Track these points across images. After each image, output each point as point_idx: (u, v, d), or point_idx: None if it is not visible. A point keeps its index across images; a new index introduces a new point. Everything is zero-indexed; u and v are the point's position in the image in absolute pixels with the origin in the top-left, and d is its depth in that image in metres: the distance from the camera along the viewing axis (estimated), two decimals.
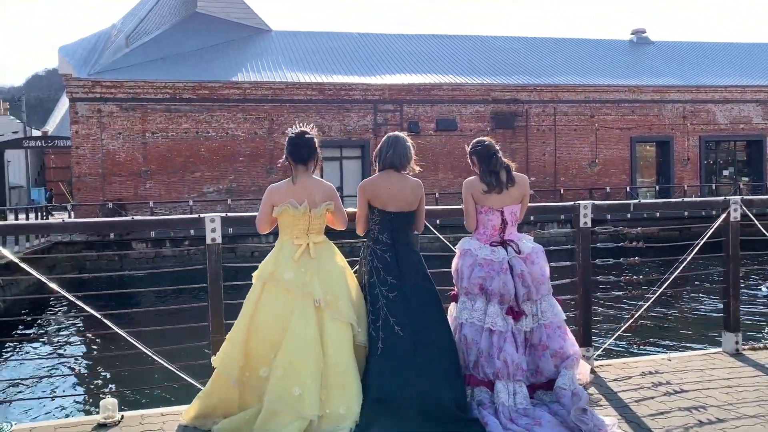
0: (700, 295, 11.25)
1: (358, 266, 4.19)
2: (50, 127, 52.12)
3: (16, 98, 61.14)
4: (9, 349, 12.38)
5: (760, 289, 12.62)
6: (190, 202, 24.56)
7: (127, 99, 25.76)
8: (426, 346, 3.87)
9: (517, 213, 4.28)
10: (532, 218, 21.90)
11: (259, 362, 3.79)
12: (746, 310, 12.35)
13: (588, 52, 35.04)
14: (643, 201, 5.10)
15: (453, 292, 4.27)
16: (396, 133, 4.26)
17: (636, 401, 4.16)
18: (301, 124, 4.16)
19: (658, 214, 22.62)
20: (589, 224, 4.77)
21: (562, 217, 22.87)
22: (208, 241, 4.08)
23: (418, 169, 4.25)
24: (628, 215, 23.41)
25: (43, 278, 3.96)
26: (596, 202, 4.83)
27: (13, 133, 52.50)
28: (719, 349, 5.29)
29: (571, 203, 4.80)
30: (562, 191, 28.10)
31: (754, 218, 5.21)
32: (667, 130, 31.82)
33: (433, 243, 5.26)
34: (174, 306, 13.20)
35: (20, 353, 12.00)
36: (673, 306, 8.56)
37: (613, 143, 31.08)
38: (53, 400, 8.32)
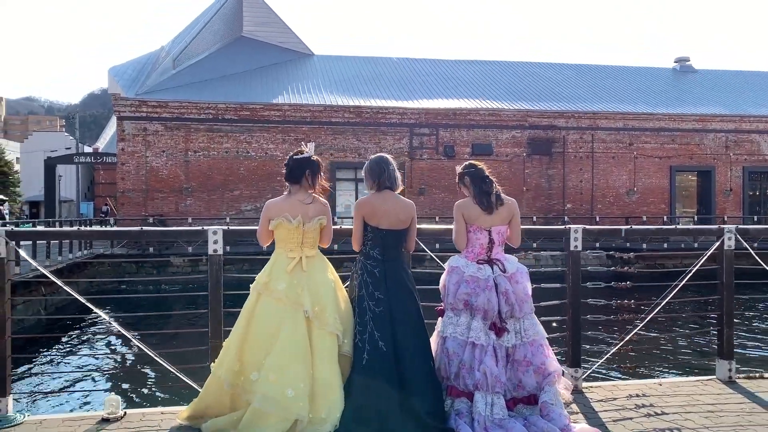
0: (701, 322, 11.12)
1: (350, 280, 4.43)
2: (101, 143, 54.09)
3: (71, 116, 63.68)
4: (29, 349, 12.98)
5: None
6: (227, 219, 25.22)
7: (172, 118, 26.72)
8: (406, 360, 4.07)
9: (504, 233, 4.46)
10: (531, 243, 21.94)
11: (252, 367, 4.04)
12: (755, 339, 12.15)
13: (628, 79, 34.88)
14: (634, 227, 5.21)
15: (440, 307, 4.46)
16: (384, 154, 4.49)
17: (614, 420, 4.27)
18: (303, 145, 4.43)
19: (665, 245, 22.32)
20: (580, 248, 4.91)
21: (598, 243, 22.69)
22: (210, 252, 4.38)
23: (402, 188, 4.44)
24: (641, 245, 23.13)
25: (58, 281, 4.32)
26: (587, 227, 4.97)
27: (66, 149, 54.75)
28: (713, 377, 5.34)
29: (562, 227, 4.95)
30: (597, 218, 27.83)
31: (749, 247, 5.28)
32: (708, 160, 31.31)
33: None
34: (177, 311, 13.79)
35: (36, 352, 12.58)
36: (671, 333, 8.49)
37: (652, 172, 30.73)
38: (60, 395, 8.98)
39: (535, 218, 27.13)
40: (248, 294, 4.19)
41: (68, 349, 13.35)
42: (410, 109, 28.77)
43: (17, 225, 29.43)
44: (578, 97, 31.72)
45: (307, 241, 4.21)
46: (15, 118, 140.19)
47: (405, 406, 3.96)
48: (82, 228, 7.90)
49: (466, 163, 4.68)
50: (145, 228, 5.08)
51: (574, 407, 4.53)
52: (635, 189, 30.54)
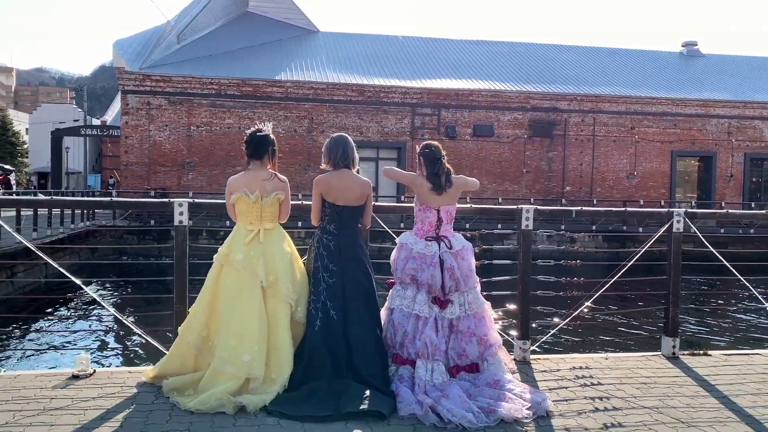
0: (653, 301, 11.36)
1: (307, 253, 4.70)
2: (109, 116, 54.41)
3: (80, 88, 63.92)
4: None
5: None
6: None
7: (175, 93, 26.94)
8: (354, 328, 4.36)
9: (452, 212, 4.71)
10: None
11: (217, 333, 4.34)
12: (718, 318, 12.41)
13: (632, 63, 34.73)
14: (584, 208, 5.44)
15: (390, 281, 4.74)
16: (342, 134, 4.72)
17: (550, 389, 4.55)
18: (260, 123, 4.66)
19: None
20: (531, 227, 5.16)
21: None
22: (176, 223, 4.66)
23: (358, 167, 4.67)
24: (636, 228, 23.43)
25: (31, 246, 4.61)
26: (538, 207, 5.22)
27: (74, 121, 55.08)
28: (659, 353, 5.61)
29: (514, 207, 5.20)
30: (595, 201, 27.97)
31: (696, 230, 5.51)
32: (710, 146, 31.31)
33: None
34: (141, 278, 14.25)
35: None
36: (624, 311, 8.73)
37: (653, 156, 30.78)
38: (37, 354, 9.47)
39: (532, 200, 27.29)
40: (212, 264, 4.48)
41: (49, 313, 13.80)
42: (413, 88, 28.85)
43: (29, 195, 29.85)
44: (581, 79, 31.67)
45: (266, 215, 4.48)
46: (25, 89, 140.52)
47: (351, 370, 4.27)
48: (55, 197, 8.23)
49: (425, 143, 4.87)
50: (114, 198, 5.37)
51: (518, 376, 4.81)
52: (635, 173, 30.61)
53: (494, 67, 32.14)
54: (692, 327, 11.37)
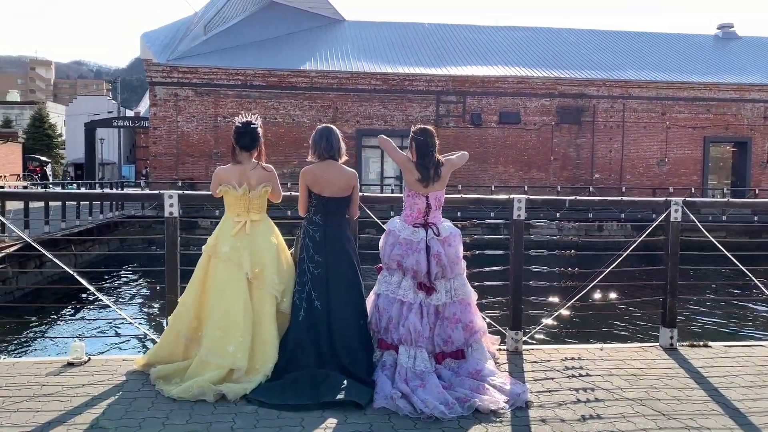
0: (653, 292, 11.07)
1: (294, 243, 4.75)
2: (142, 107, 55.26)
3: (114, 80, 65.05)
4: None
5: None
6: None
7: (202, 84, 27.26)
8: (338, 319, 4.40)
9: (441, 198, 4.69)
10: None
11: (204, 323, 4.43)
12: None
13: (664, 46, 33.95)
14: (579, 197, 5.37)
15: (379, 266, 4.75)
16: (328, 125, 4.74)
17: (535, 379, 4.53)
18: (248, 115, 4.71)
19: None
20: (523, 217, 5.12)
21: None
22: (166, 214, 4.75)
23: (346, 158, 4.69)
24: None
25: (29, 239, 4.75)
26: (530, 197, 5.17)
27: (108, 112, 56.10)
28: (657, 344, 5.53)
29: (505, 197, 5.16)
30: (623, 189, 27.51)
31: (695, 219, 5.40)
32: (745, 131, 30.50)
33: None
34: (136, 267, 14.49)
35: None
36: (626, 301, 8.54)
37: (684, 142, 30.13)
38: (34, 341, 9.86)
39: (559, 188, 26.97)
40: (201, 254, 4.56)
41: (71, 303, 14.17)
42: (437, 76, 28.68)
43: (63, 186, 30.65)
44: (610, 64, 31.08)
45: (254, 206, 4.54)
46: (64, 81, 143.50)
47: (334, 360, 4.31)
48: (49, 190, 8.43)
49: (420, 127, 4.80)
50: (106, 191, 5.48)
51: (506, 366, 4.80)
52: (666, 160, 30.01)
53: (521, 52, 31.74)
54: (700, 318, 11.15)
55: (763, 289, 5.64)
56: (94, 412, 3.78)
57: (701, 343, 5.57)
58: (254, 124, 4.67)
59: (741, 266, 5.60)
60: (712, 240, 5.47)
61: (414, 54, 30.81)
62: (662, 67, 31.28)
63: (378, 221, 5.24)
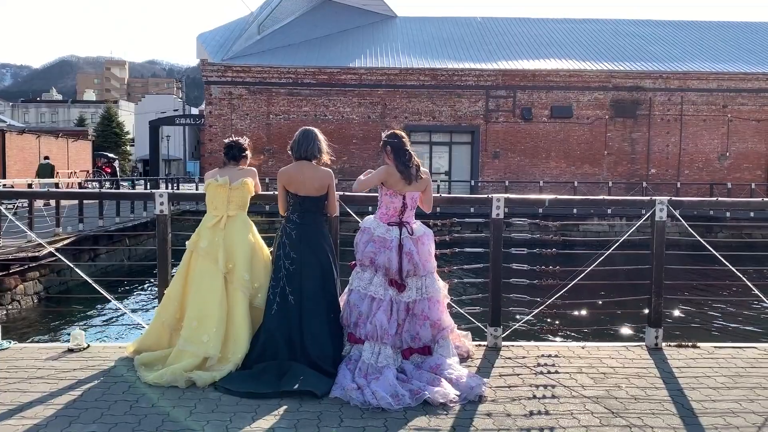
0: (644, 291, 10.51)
1: (274, 241, 4.99)
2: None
3: (180, 78, 67.27)
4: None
5: None
6: None
7: (255, 83, 28.00)
8: (310, 313, 4.62)
9: (416, 199, 4.83)
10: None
11: (185, 314, 4.75)
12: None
13: (725, 36, 32.61)
14: (559, 197, 5.37)
15: (353, 263, 4.94)
16: (307, 127, 4.97)
17: (501, 375, 4.63)
18: (241, 139, 5.12)
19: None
20: (502, 215, 5.20)
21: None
22: (157, 212, 5.08)
23: (327, 160, 4.88)
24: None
25: (44, 243, 5.16)
26: (510, 196, 5.24)
27: (174, 110, 58.17)
28: (642, 343, 5.51)
29: (485, 196, 5.25)
30: (678, 185, 26.65)
31: (681, 219, 5.35)
32: None
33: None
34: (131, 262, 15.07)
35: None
36: (617, 300, 8.30)
37: (748, 136, 28.91)
38: (39, 329, 10.56)
39: (611, 183, 26.38)
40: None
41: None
42: (487, 70, 28.50)
43: (132, 182, 32.08)
44: (667, 55, 30.10)
45: (234, 199, 4.82)
46: (137, 80, 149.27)
47: (303, 351, 4.53)
48: (47, 189, 8.94)
49: (390, 132, 4.95)
50: (102, 190, 5.86)
51: (479, 362, 4.91)
52: (728, 154, 28.87)
53: (573, 45, 31.14)
54: (700, 318, 10.74)
55: (754, 289, 5.52)
56: (73, 394, 4.12)
57: (689, 344, 5.52)
58: (241, 141, 5.01)
59: (729, 266, 5.49)
60: (700, 240, 5.40)
61: (464, 49, 30.70)
62: (724, 58, 30.08)
63: (354, 215, 5.40)
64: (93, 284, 5.20)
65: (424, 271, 4.74)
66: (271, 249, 4.95)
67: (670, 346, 5.47)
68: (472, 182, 26.82)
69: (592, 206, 21.93)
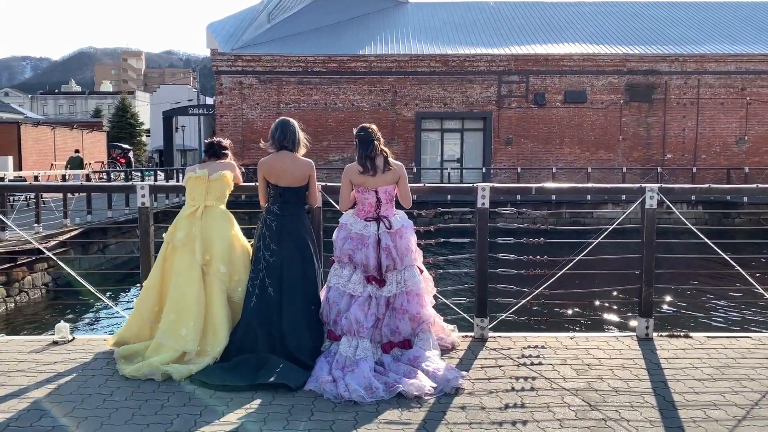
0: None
1: (254, 233, 4.95)
2: None
3: (194, 68, 67.47)
4: None
5: None
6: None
7: (265, 72, 27.96)
8: (289, 305, 4.58)
9: (391, 192, 4.76)
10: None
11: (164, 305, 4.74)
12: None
13: (744, 16, 31.89)
14: (545, 185, 5.26)
15: (332, 259, 4.89)
16: (285, 118, 4.91)
17: (483, 366, 4.56)
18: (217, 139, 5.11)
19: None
20: (487, 205, 5.12)
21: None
22: (139, 204, 5.06)
23: (304, 150, 4.84)
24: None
25: (21, 232, 5.18)
26: (495, 185, 5.15)
27: (189, 100, 58.38)
28: (633, 333, 5.41)
29: (470, 185, 5.17)
30: (694, 170, 26.24)
31: (671, 206, 5.23)
32: None
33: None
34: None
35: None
36: (610, 290, 8.08)
37: (767, 119, 28.31)
38: (26, 322, 10.69)
39: (625, 169, 26.04)
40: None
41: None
42: (499, 55, 28.19)
43: (142, 172, 32.33)
44: (684, 38, 29.55)
45: (212, 191, 4.80)
46: (154, 71, 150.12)
47: (281, 344, 4.50)
48: (29, 182, 8.97)
49: (361, 125, 4.89)
50: (83, 183, 5.86)
51: (462, 353, 4.85)
52: (746, 138, 28.34)
53: (587, 28, 30.69)
54: (696, 308, 10.49)
55: (747, 276, 5.39)
56: (50, 387, 4.13)
57: (682, 334, 5.41)
58: (223, 143, 5.01)
59: (723, 254, 5.36)
60: (692, 228, 5.28)
61: (476, 34, 30.39)
62: (742, 39, 29.48)
63: (336, 205, 5.32)
64: (80, 280, 5.20)
65: (403, 264, 4.67)
66: (251, 241, 4.92)
67: (661, 336, 5.36)
68: (484, 169, 26.64)
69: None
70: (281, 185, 4.75)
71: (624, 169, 25.88)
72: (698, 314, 10.40)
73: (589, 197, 21.32)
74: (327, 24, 31.07)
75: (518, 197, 15.64)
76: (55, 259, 5.91)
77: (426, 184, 5.58)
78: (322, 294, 4.80)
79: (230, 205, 4.96)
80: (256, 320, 4.57)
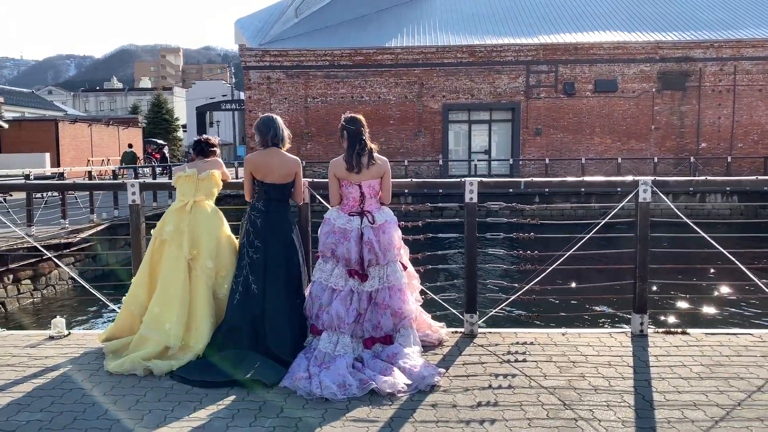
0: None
1: (239, 229, 4.99)
2: None
3: (229, 64, 68.19)
4: None
5: None
6: None
7: (292, 66, 28.10)
8: (271, 302, 4.60)
9: (375, 187, 4.74)
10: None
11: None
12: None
13: None
14: (534, 179, 5.16)
15: (317, 254, 4.90)
16: (270, 114, 4.93)
17: (465, 363, 4.52)
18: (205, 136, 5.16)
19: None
20: (475, 200, 5.05)
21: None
22: (129, 202, 5.14)
23: (289, 145, 4.86)
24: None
25: (30, 239, 5.31)
26: (483, 179, 5.08)
27: (223, 96, 59.09)
28: (628, 329, 5.29)
29: (458, 180, 5.11)
30: (729, 159, 25.49)
31: (666, 199, 5.09)
32: None
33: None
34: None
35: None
36: (605, 285, 7.73)
37: None
38: (23, 318, 10.89)
39: (656, 159, 25.45)
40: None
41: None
42: (527, 45, 27.79)
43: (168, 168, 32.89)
44: (719, 22, 28.67)
45: (201, 188, 4.85)
46: (192, 67, 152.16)
47: (262, 341, 4.53)
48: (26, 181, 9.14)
49: (350, 116, 4.85)
50: (76, 181, 5.97)
51: (447, 349, 4.81)
52: None
53: (617, 15, 30.03)
54: (697, 304, 10.09)
55: (747, 272, 5.22)
56: (36, 382, 4.24)
57: (678, 330, 5.27)
58: (211, 140, 5.06)
59: (722, 249, 5.20)
60: (688, 221, 5.13)
61: (503, 23, 30.01)
62: None
63: (325, 203, 5.33)
64: (80, 280, 5.31)
65: (386, 259, 4.66)
66: (237, 237, 4.95)
67: (657, 332, 5.24)
68: (511, 161, 26.35)
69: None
70: (267, 182, 4.77)
71: (656, 159, 25.30)
72: (705, 311, 10.10)
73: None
74: (353, 17, 31.06)
75: (547, 190, 15.43)
76: (54, 259, 6.02)
77: (413, 179, 5.52)
78: (307, 290, 4.81)
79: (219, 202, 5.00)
80: (240, 318, 4.60)
